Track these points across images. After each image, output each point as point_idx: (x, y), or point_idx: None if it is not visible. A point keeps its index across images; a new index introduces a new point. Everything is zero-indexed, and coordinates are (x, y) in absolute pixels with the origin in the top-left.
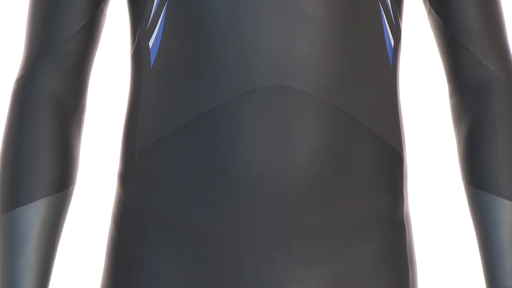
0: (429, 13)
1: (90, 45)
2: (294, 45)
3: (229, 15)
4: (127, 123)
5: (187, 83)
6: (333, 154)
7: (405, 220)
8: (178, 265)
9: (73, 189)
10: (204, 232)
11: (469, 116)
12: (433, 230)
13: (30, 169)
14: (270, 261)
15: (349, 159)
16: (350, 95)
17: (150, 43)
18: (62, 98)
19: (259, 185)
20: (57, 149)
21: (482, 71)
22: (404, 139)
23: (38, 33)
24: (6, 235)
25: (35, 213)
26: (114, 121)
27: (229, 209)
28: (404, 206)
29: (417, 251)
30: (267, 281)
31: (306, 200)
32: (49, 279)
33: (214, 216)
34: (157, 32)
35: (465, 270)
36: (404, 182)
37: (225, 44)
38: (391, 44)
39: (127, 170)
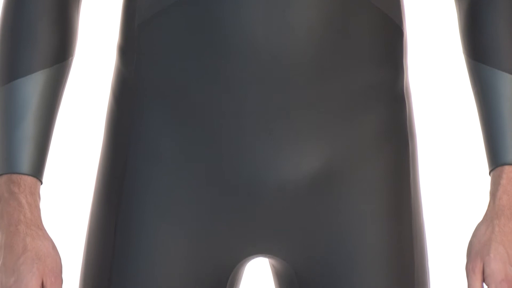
0: None
1: None
2: None
3: None
4: None
5: None
6: (333, 25)
7: (405, 93)
8: (177, 136)
9: (72, 60)
10: (203, 102)
11: None
12: (433, 103)
13: (28, 40)
14: (269, 133)
15: (349, 30)
16: None
17: None
18: None
19: (259, 53)
20: (56, 20)
21: None
22: (404, 13)
23: None
24: (4, 107)
25: (33, 84)
26: None
27: (229, 77)
28: (404, 79)
29: (418, 123)
30: (266, 153)
31: (306, 70)
32: (47, 152)
33: (213, 85)
34: None
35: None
36: (404, 55)
37: None
38: None
39: (126, 42)
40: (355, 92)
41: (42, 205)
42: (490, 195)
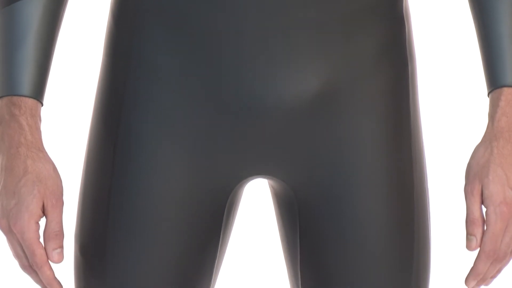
0: None
1: None
2: None
3: None
4: None
5: None
6: None
7: (404, 14)
8: (176, 55)
9: None
10: (203, 22)
11: None
12: (433, 26)
13: None
14: (268, 53)
15: None
16: None
17: None
18: None
19: None
20: None
21: None
22: None
23: None
24: (5, 29)
25: (34, 6)
26: None
27: None
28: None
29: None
30: (265, 73)
31: None
32: (48, 74)
33: (212, 5)
34: None
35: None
36: None
37: None
38: None
39: None
40: (355, 12)
41: (43, 127)
42: (488, 117)
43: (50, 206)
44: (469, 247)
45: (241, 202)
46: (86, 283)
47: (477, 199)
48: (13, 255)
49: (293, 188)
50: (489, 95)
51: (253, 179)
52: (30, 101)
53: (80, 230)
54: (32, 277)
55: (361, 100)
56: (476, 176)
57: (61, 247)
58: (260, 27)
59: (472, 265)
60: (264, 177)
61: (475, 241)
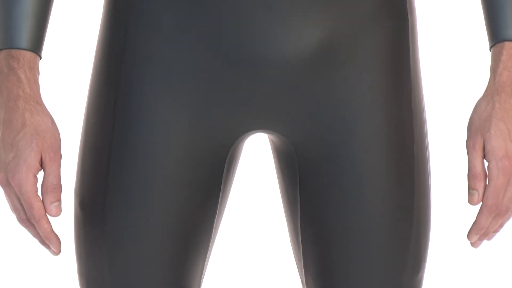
0: None
1: None
2: None
3: None
4: None
5: None
6: None
7: None
8: (177, 8)
9: None
10: None
11: None
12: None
13: None
14: (269, 5)
15: None
16: None
17: None
18: None
19: None
20: None
21: None
22: None
23: None
24: None
25: None
26: None
27: None
28: None
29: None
30: (266, 26)
31: None
32: (46, 28)
33: None
34: None
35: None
36: None
37: None
38: None
39: None
40: None
41: (42, 80)
42: (490, 71)
43: (48, 159)
44: (471, 201)
45: (241, 156)
46: (85, 237)
47: (479, 153)
48: (11, 209)
49: (293, 143)
50: (491, 50)
51: (253, 133)
52: (29, 54)
53: (80, 185)
54: (29, 230)
55: (361, 54)
56: (478, 130)
57: (59, 200)
58: None
59: (474, 220)
60: (264, 132)
61: (477, 195)
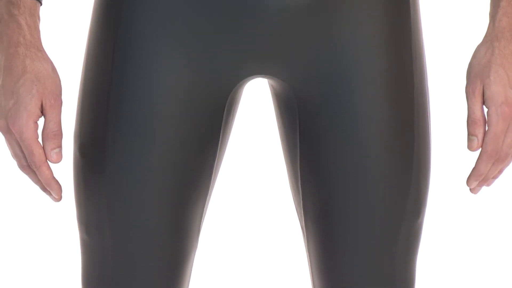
0: None
1: None
2: None
3: None
4: None
5: None
6: None
7: None
8: None
9: None
10: None
11: None
12: None
13: None
14: None
15: None
16: None
17: None
18: None
19: None
20: None
21: None
22: None
23: None
24: None
25: None
26: None
27: None
28: None
29: None
30: None
31: None
32: None
33: None
34: None
35: None
36: None
37: None
38: None
39: None
40: None
41: (42, 27)
42: (489, 17)
43: (49, 105)
44: (470, 147)
45: (241, 101)
46: (85, 182)
47: (478, 99)
48: (12, 155)
49: (293, 87)
50: None
51: (252, 78)
52: (29, 1)
53: (79, 130)
54: (30, 177)
55: (361, 2)
56: (477, 76)
57: (60, 147)
58: None
59: (473, 166)
60: (263, 77)
61: (477, 141)
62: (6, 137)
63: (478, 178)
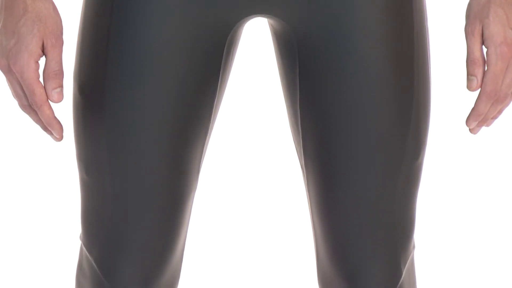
0: None
1: None
2: None
3: None
4: None
5: None
6: None
7: None
8: None
9: None
10: None
11: None
12: None
13: None
14: None
15: None
16: None
17: None
18: None
19: None
20: None
21: None
22: None
23: None
24: None
25: None
26: None
27: None
28: None
29: None
30: None
31: None
32: None
33: None
34: None
35: None
36: None
37: None
38: None
39: None
40: None
41: None
42: None
43: (50, 45)
44: (469, 87)
45: (241, 41)
46: (84, 121)
47: (477, 39)
48: (13, 95)
49: (293, 27)
50: None
51: (252, 18)
52: None
53: (79, 69)
54: (31, 116)
55: None
56: (476, 16)
57: (61, 86)
58: None
59: (473, 106)
60: (263, 16)
61: (476, 81)
62: (7, 77)
63: (478, 118)
